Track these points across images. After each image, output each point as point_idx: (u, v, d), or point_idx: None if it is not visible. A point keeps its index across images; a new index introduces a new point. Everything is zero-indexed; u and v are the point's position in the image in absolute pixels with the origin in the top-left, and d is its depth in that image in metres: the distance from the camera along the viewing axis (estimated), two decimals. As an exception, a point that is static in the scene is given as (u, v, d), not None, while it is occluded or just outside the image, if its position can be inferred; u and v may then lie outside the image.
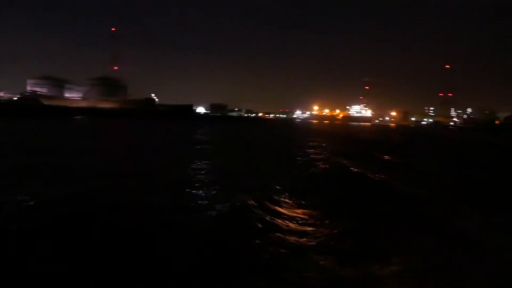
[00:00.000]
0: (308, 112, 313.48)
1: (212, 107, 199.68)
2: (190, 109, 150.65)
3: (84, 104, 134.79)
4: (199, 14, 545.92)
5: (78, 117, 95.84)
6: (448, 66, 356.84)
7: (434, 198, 14.29)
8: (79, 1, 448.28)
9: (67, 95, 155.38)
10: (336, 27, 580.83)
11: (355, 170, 20.72)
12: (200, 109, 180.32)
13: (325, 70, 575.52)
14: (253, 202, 11.59)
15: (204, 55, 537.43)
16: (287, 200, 12.79)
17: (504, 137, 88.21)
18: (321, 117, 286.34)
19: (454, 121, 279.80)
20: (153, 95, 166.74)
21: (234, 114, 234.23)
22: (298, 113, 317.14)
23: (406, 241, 9.04)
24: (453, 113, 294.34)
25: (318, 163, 24.17)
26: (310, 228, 9.82)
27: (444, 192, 15.48)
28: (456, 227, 10.30)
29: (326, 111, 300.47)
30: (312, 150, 33.28)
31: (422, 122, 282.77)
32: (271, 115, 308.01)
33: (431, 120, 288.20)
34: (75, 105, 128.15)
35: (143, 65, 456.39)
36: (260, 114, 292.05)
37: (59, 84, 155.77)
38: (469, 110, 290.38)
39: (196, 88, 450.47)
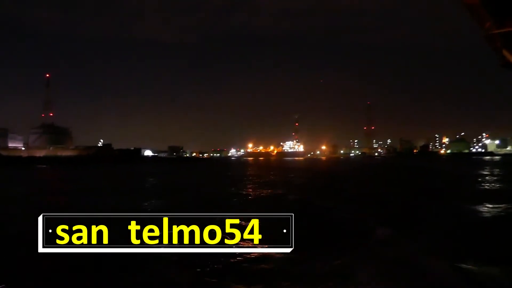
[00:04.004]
0: (242, 150, 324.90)
1: (170, 149, 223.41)
2: (138, 152, 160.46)
3: (42, 153, 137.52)
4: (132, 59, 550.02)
5: (41, 166, 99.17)
6: (369, 103, 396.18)
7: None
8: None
9: (10, 144, 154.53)
10: (263, 65, 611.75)
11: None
12: (148, 152, 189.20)
13: (256, 108, 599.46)
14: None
15: (131, 97, 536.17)
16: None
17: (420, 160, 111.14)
18: (256, 154, 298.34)
19: (379, 152, 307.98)
20: (101, 140, 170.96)
21: (187, 155, 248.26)
22: (232, 152, 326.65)
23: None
24: (375, 144, 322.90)
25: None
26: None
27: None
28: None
29: (261, 148, 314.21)
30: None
31: (351, 154, 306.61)
32: (205, 155, 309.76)
33: (358, 152, 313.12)
34: (32, 154, 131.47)
35: (80, 110, 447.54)
36: (194, 154, 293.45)
37: (2, 133, 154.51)
38: (389, 140, 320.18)
39: (136, 132, 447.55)
